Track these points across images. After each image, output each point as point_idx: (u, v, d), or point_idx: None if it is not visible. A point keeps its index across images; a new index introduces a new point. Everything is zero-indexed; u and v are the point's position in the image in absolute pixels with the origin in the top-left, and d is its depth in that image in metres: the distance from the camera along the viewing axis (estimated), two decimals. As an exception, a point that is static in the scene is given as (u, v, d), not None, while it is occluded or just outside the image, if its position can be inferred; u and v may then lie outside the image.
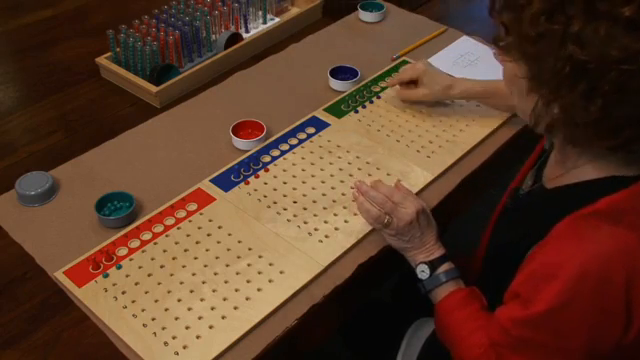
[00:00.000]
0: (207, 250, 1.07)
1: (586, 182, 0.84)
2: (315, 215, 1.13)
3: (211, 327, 0.96)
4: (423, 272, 1.03)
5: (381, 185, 1.09)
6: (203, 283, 1.01)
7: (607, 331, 0.75)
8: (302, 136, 1.30)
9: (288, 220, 1.12)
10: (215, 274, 1.03)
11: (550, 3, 0.73)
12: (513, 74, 0.83)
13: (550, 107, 0.79)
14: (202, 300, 0.99)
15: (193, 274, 1.03)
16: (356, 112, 1.36)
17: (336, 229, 1.11)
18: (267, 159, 1.24)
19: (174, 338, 0.94)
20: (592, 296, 0.74)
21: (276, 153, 1.26)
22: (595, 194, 0.79)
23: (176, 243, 1.08)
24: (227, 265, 1.04)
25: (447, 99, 1.33)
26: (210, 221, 1.12)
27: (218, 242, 1.08)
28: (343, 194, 1.17)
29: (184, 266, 1.04)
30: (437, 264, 1.02)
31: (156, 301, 0.99)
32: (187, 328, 0.95)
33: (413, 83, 1.33)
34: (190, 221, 1.11)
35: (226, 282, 1.02)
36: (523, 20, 0.76)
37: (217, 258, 1.05)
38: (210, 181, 1.19)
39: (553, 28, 0.73)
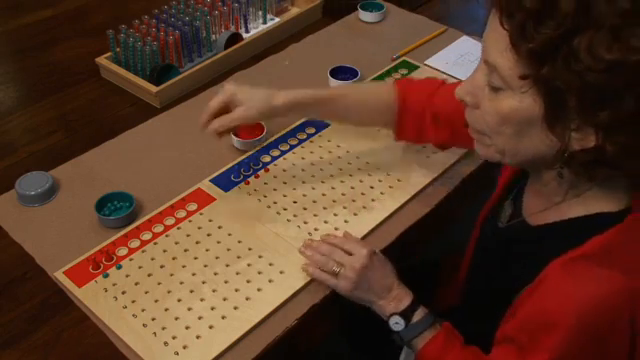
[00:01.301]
0: (207, 250, 1.07)
1: (573, 220, 0.80)
2: (315, 215, 1.13)
3: (211, 327, 0.96)
4: (397, 324, 0.97)
5: (329, 237, 1.05)
6: (203, 283, 1.01)
7: None
8: (302, 136, 1.30)
9: (288, 220, 1.12)
10: (215, 274, 1.03)
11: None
12: (510, 112, 0.74)
13: (581, 137, 0.71)
14: (202, 300, 0.99)
15: (193, 274, 1.03)
16: (356, 112, 1.36)
17: (336, 229, 1.11)
18: (267, 159, 1.24)
19: (174, 338, 0.94)
20: (596, 342, 0.73)
21: (276, 153, 1.26)
22: (584, 234, 0.76)
23: (176, 243, 1.08)
24: (227, 265, 1.04)
25: (273, 114, 1.09)
26: (210, 221, 1.12)
27: (218, 242, 1.08)
28: (343, 194, 1.17)
29: (184, 266, 1.04)
30: (410, 313, 0.96)
31: (156, 301, 0.99)
32: (187, 328, 0.95)
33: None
34: (190, 221, 1.11)
35: (226, 282, 1.02)
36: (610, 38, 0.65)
37: (217, 258, 1.05)
38: (210, 181, 1.19)
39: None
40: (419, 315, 0.97)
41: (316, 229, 1.10)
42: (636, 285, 0.72)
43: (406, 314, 0.97)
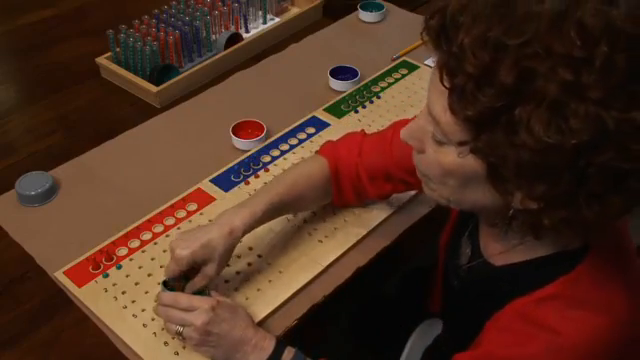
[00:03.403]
0: (207, 250, 1.07)
1: (537, 259, 0.77)
2: (315, 214, 1.13)
3: (211, 327, 0.95)
4: None
5: (163, 297, 0.92)
6: (203, 283, 1.01)
7: None
8: (302, 136, 1.30)
9: (288, 220, 1.12)
10: (215, 274, 1.03)
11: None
12: (452, 167, 0.70)
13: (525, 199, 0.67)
14: (202, 300, 0.99)
15: (193, 274, 1.03)
16: (356, 112, 1.36)
17: (336, 229, 1.11)
18: (267, 159, 1.24)
19: (174, 338, 0.94)
20: None
21: (276, 153, 1.26)
22: (550, 273, 0.73)
23: (176, 243, 1.08)
24: (227, 265, 1.04)
25: (237, 243, 0.97)
26: (210, 221, 1.11)
27: (218, 242, 1.08)
28: (343, 194, 1.17)
29: (184, 266, 1.04)
30: (277, 359, 0.89)
31: (156, 301, 0.99)
32: (187, 328, 0.95)
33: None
34: (190, 221, 1.11)
35: (226, 282, 1.02)
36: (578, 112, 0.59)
37: (217, 258, 1.05)
38: (210, 181, 1.19)
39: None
40: (287, 357, 0.90)
41: (315, 229, 1.10)
42: (619, 319, 0.71)
43: None
